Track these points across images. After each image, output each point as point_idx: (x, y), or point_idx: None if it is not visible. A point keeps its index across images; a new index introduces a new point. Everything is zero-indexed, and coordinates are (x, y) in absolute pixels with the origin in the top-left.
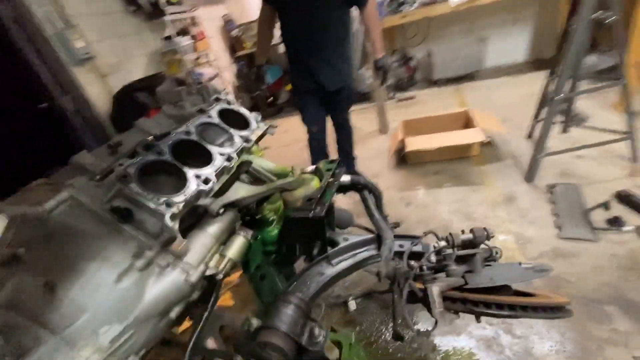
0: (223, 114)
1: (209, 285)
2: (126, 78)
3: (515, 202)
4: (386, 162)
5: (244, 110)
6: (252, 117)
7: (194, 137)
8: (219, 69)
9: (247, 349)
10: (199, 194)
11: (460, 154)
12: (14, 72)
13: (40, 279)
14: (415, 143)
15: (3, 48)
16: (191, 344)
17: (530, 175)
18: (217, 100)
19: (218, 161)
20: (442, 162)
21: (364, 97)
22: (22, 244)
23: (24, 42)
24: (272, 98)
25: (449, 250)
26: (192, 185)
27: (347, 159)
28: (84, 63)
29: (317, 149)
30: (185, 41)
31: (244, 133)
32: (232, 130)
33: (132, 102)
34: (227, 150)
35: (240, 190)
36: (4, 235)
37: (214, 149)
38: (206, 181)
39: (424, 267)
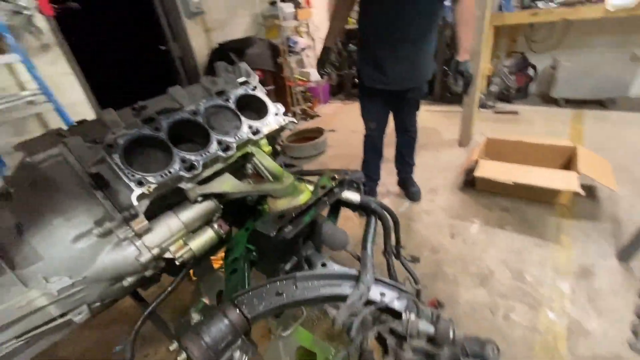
0: (244, 99)
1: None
2: (227, 35)
3: (589, 279)
4: (451, 179)
5: (266, 100)
6: (273, 108)
7: (199, 118)
8: (314, 41)
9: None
10: (179, 178)
11: (543, 197)
12: (144, 17)
13: (15, 219)
14: (489, 169)
15: None
16: (142, 316)
17: (626, 253)
18: (244, 83)
19: (212, 148)
20: (517, 199)
21: (455, 98)
22: (15, 185)
23: None
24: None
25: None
26: (174, 168)
27: (403, 165)
28: (195, 16)
29: (371, 147)
30: (287, 8)
31: (256, 124)
32: (243, 119)
33: (223, 59)
34: (228, 139)
35: (226, 184)
36: (11, 172)
37: (214, 136)
38: (190, 167)
39: (392, 330)
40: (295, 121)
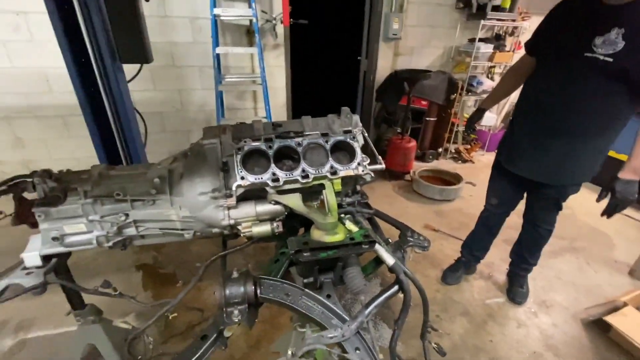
0: (341, 143)
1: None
2: (413, 61)
3: None
4: (581, 305)
5: (358, 150)
6: (359, 159)
7: (299, 149)
8: None
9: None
10: (266, 184)
11: None
12: (351, 33)
13: (182, 169)
14: (632, 323)
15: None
16: (217, 255)
17: None
18: (347, 132)
19: (297, 173)
20: None
21: None
22: (191, 151)
23: (370, 11)
24: None
25: None
26: (265, 177)
27: (519, 259)
28: (390, 41)
29: (484, 223)
30: (485, 48)
31: (337, 166)
32: (330, 160)
33: (396, 84)
34: (310, 170)
35: (292, 201)
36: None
37: (302, 165)
38: (275, 179)
39: None
40: (372, 175)
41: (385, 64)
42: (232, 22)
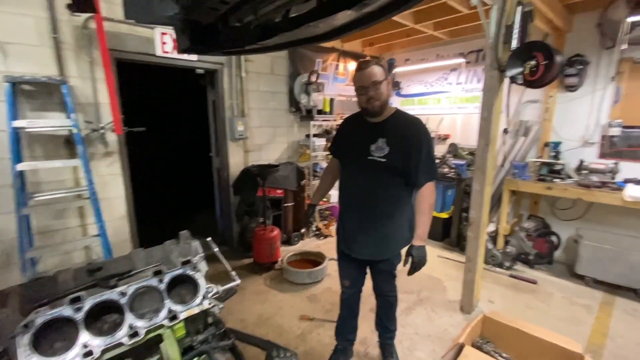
0: (179, 279)
1: None
2: (262, 156)
3: None
4: (439, 354)
5: (200, 282)
6: (203, 291)
7: (124, 300)
8: None
9: None
10: None
11: None
12: (197, 134)
13: None
14: None
15: (199, 115)
16: None
17: None
18: (185, 263)
19: (121, 333)
20: None
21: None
22: None
23: (214, 116)
24: None
25: None
26: (70, 355)
27: (382, 329)
28: (238, 140)
29: (346, 306)
30: (319, 141)
31: (177, 308)
32: (167, 302)
33: (250, 178)
34: (141, 324)
35: None
36: None
37: (128, 320)
38: (87, 354)
39: None
40: (221, 306)
41: (237, 161)
42: (44, 133)
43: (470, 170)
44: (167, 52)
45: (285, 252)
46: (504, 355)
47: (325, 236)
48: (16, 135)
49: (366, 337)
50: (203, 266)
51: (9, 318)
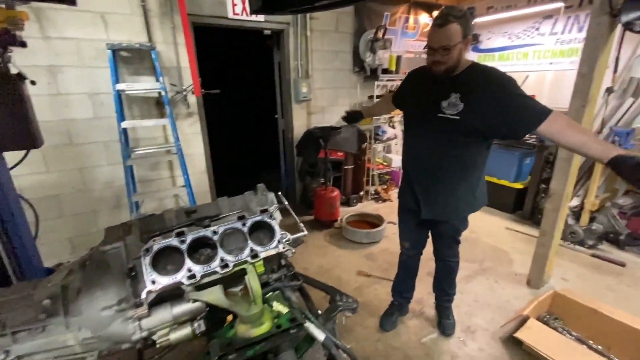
0: (258, 224)
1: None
2: (325, 118)
3: None
4: (498, 323)
5: (276, 228)
6: (278, 237)
7: (216, 237)
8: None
9: None
10: (180, 283)
11: None
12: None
13: (79, 283)
14: (536, 334)
15: (266, 77)
16: None
17: None
18: (263, 211)
19: (215, 264)
20: None
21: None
22: (90, 260)
23: (280, 78)
24: None
25: None
26: (180, 275)
27: (440, 292)
28: (302, 102)
29: (405, 266)
30: None
31: (258, 248)
32: (249, 243)
33: (312, 140)
34: (230, 258)
35: (212, 295)
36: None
37: (219, 254)
38: (191, 277)
39: None
40: (293, 250)
41: (301, 122)
42: (140, 96)
43: None
44: (237, 14)
45: (344, 213)
46: (574, 333)
47: (384, 200)
48: (119, 97)
49: (422, 297)
50: (278, 215)
51: (133, 243)
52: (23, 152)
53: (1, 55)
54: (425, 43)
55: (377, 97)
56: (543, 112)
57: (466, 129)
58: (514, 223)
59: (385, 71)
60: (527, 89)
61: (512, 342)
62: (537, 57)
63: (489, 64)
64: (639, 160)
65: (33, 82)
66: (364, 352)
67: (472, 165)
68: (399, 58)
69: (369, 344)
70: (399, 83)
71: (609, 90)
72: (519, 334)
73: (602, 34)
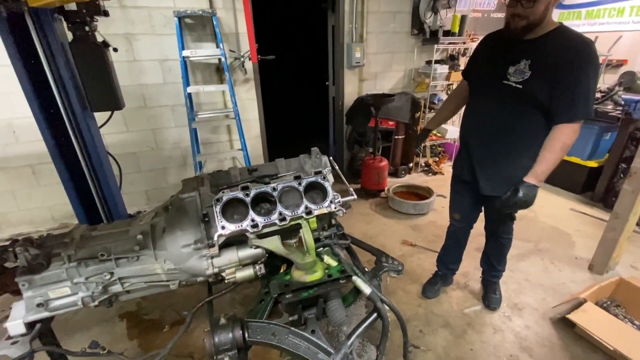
0: (313, 184)
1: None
2: (377, 85)
3: None
4: (549, 305)
5: (329, 189)
6: (330, 196)
7: (275, 194)
8: None
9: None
10: (246, 230)
11: None
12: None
13: (164, 224)
14: (592, 317)
15: (319, 43)
16: (203, 301)
17: None
18: (317, 173)
19: (274, 217)
20: None
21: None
22: (172, 204)
23: (333, 43)
24: None
25: None
26: (245, 224)
27: (488, 267)
28: (354, 68)
29: (453, 237)
30: (441, 69)
31: (312, 206)
32: (304, 200)
33: (363, 108)
34: (287, 212)
35: (272, 244)
36: (172, 197)
37: (278, 208)
38: (254, 225)
39: None
40: (344, 211)
41: (351, 90)
42: (202, 62)
43: None
44: None
45: (392, 183)
46: (636, 322)
47: (435, 173)
48: (185, 64)
49: (469, 271)
50: (330, 177)
51: (206, 193)
52: (109, 113)
53: (89, 24)
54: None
55: (436, 62)
56: (585, 114)
57: (528, 99)
58: (581, 205)
59: (447, 33)
60: (620, 51)
61: (563, 323)
62: (634, 14)
63: (575, 22)
64: (529, 199)
65: (115, 49)
66: (405, 314)
67: (531, 139)
68: (463, 18)
69: (410, 307)
70: (461, 47)
71: None
72: (572, 316)
73: None
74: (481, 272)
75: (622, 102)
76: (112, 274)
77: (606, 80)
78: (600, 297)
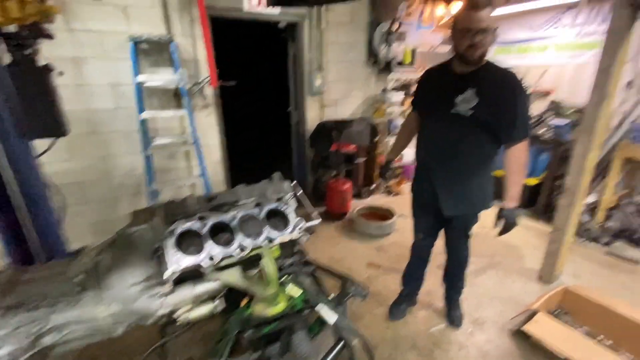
0: (274, 211)
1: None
2: (338, 111)
3: None
4: (506, 317)
5: (291, 217)
6: (292, 224)
7: (234, 222)
8: None
9: None
10: (200, 265)
11: None
12: (279, 90)
13: (111, 261)
14: (544, 328)
15: (279, 70)
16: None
17: None
18: (279, 199)
19: (233, 247)
20: None
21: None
22: (120, 239)
23: (292, 72)
24: None
25: None
26: (202, 257)
27: (449, 284)
28: (315, 95)
29: (417, 256)
30: (396, 97)
31: (273, 234)
32: (265, 229)
33: (325, 133)
34: (246, 242)
35: (232, 276)
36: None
37: (238, 238)
38: (211, 258)
39: None
40: (307, 237)
41: (314, 115)
42: (159, 87)
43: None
44: (253, 6)
45: (356, 205)
46: (583, 328)
47: (396, 193)
48: (139, 89)
49: (431, 290)
50: (292, 203)
51: (158, 226)
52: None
53: (31, 47)
54: (454, 29)
55: (392, 89)
56: (525, 134)
57: (478, 124)
58: (527, 219)
59: (400, 64)
60: (546, 82)
61: (520, 335)
62: (557, 50)
63: (507, 56)
64: (514, 220)
65: (61, 73)
66: (373, 339)
67: (484, 161)
68: (414, 51)
69: (378, 331)
70: (412, 76)
71: (629, 85)
72: (526, 327)
73: (624, 26)
74: (444, 290)
75: (553, 126)
76: (46, 322)
77: (536, 108)
78: (550, 306)
